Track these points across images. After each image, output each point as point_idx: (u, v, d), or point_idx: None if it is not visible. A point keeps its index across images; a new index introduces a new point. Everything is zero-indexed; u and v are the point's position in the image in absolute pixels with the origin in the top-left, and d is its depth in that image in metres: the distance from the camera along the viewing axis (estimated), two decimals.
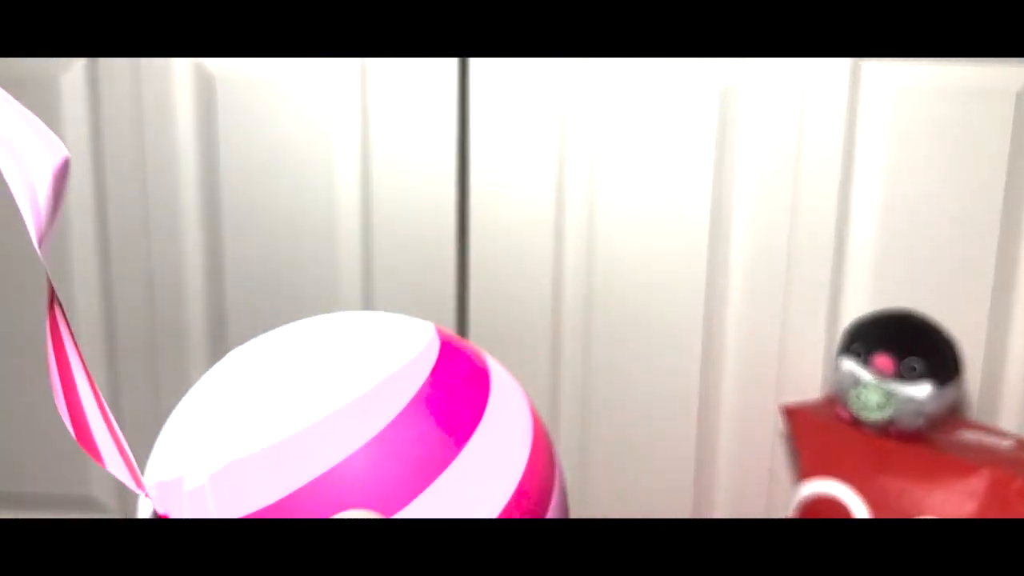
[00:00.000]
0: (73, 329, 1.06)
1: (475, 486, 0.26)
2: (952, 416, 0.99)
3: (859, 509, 0.89)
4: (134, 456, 0.26)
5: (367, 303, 1.05)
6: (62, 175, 0.27)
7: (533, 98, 0.99)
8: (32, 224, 0.24)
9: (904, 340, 0.89)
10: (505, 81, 0.99)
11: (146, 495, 0.26)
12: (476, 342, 1.05)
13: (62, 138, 1.02)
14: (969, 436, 0.93)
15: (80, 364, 0.26)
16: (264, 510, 0.25)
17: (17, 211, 1.04)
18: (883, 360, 0.89)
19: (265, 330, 1.05)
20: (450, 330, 0.31)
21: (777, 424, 1.03)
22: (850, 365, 0.92)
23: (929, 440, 0.90)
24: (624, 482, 1.06)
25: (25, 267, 1.06)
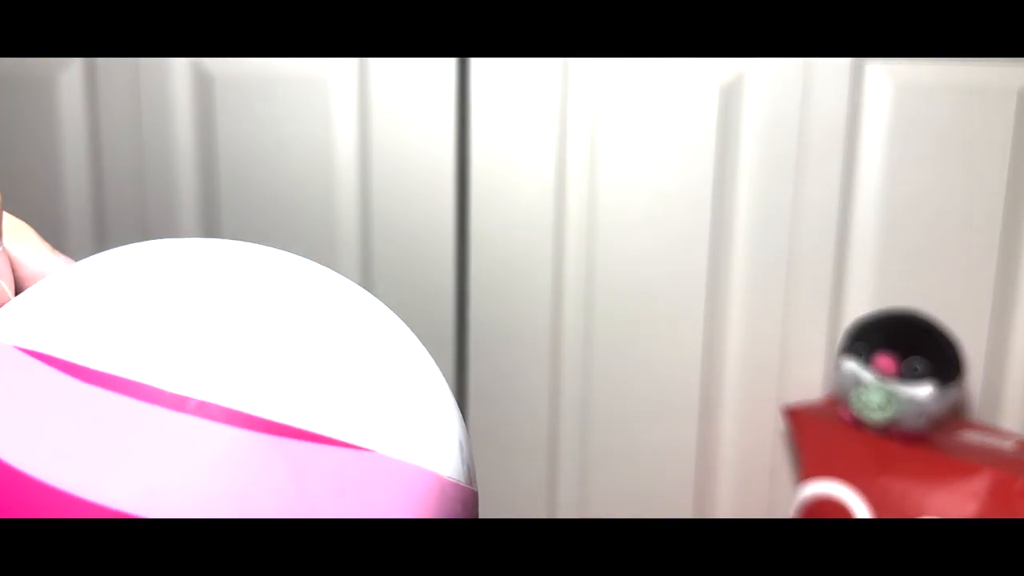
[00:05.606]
0: None
1: None
2: (954, 417, 0.99)
3: (860, 510, 0.89)
4: None
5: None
6: None
7: (533, 97, 0.99)
8: None
9: (906, 340, 0.89)
10: (505, 81, 0.99)
11: None
12: (477, 343, 1.05)
13: (59, 138, 1.03)
14: (971, 437, 0.93)
15: None
16: None
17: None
18: (885, 360, 0.89)
19: None
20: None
21: (778, 425, 1.04)
22: (852, 365, 0.92)
23: (931, 441, 0.90)
24: (625, 482, 1.07)
25: None
